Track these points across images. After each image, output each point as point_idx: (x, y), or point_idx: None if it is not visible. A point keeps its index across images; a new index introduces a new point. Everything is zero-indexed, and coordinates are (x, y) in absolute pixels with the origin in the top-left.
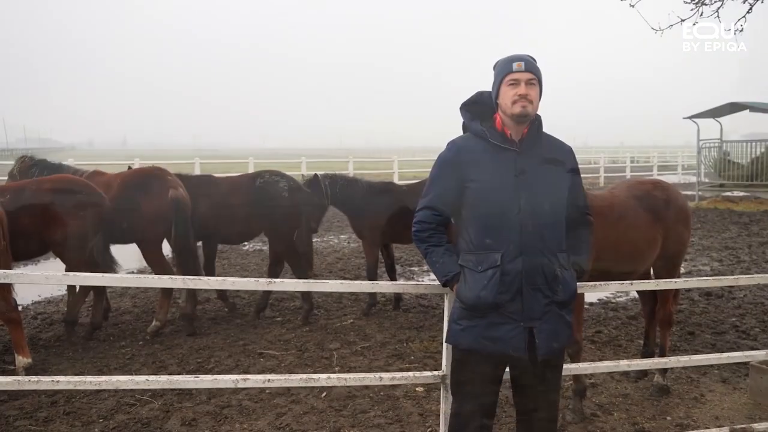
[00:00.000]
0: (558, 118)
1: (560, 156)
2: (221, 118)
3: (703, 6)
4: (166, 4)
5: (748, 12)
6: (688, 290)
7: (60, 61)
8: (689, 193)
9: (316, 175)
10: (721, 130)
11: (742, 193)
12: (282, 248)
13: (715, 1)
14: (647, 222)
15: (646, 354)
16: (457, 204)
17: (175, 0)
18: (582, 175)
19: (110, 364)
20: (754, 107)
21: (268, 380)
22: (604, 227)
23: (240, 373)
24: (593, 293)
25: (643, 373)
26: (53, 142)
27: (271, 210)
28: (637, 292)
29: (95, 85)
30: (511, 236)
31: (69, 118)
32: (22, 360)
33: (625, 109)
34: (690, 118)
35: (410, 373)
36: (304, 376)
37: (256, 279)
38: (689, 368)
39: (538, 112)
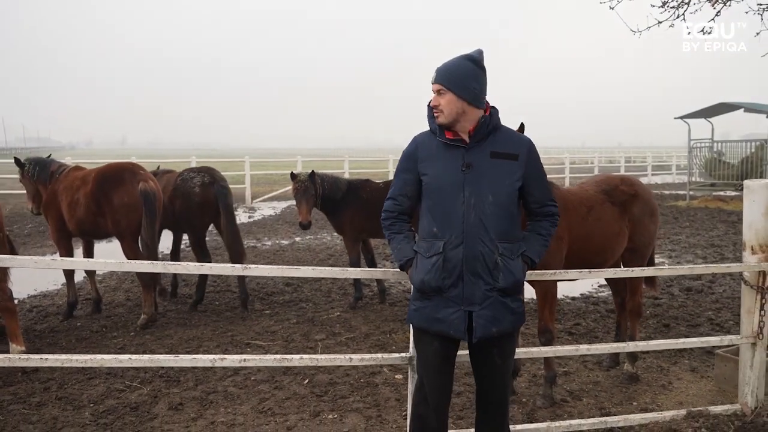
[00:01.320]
0: (557, 118)
1: (513, 149)
2: (221, 118)
3: (676, 9)
4: (168, 3)
5: (717, 14)
6: (669, 285)
7: (60, 60)
8: (681, 192)
9: (313, 172)
10: (713, 130)
11: (733, 193)
12: (191, 240)
13: (682, 5)
14: (615, 215)
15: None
16: (418, 195)
17: (178, 1)
18: (577, 175)
19: (102, 353)
20: (748, 107)
21: (244, 360)
22: (574, 220)
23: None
24: (576, 287)
25: (615, 363)
26: (53, 141)
27: (181, 205)
28: (608, 284)
29: (95, 85)
30: (454, 226)
31: (68, 118)
32: (16, 348)
33: (623, 110)
34: (681, 118)
35: (378, 355)
36: (278, 356)
37: (232, 265)
38: (660, 358)
39: (495, 106)
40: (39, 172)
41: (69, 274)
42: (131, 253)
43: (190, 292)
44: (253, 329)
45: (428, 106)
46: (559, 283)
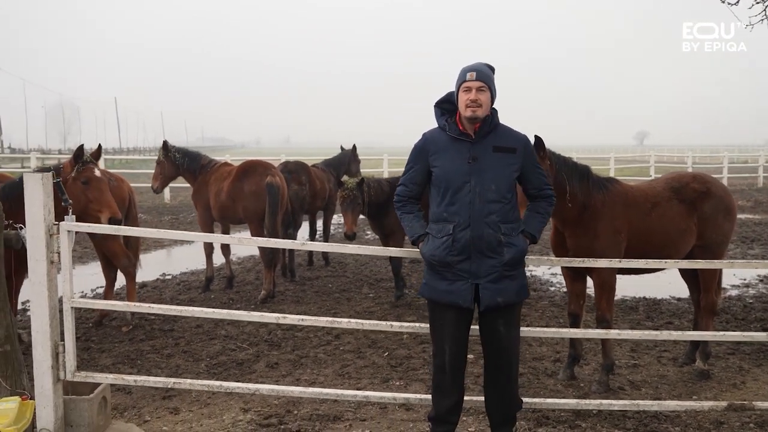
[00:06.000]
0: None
1: (511, 144)
2: (379, 119)
3: None
4: (334, 18)
5: None
6: None
7: (237, 67)
8: None
9: (362, 179)
10: None
11: None
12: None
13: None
14: (681, 213)
15: (694, 341)
16: (427, 183)
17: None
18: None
19: (224, 321)
20: None
21: (302, 319)
22: (635, 215)
23: (324, 335)
24: (686, 289)
25: (691, 359)
26: (227, 140)
27: None
28: (685, 281)
29: (265, 84)
30: (462, 211)
31: (242, 120)
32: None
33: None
34: None
35: (416, 324)
36: (330, 318)
37: (293, 240)
38: (745, 359)
39: (495, 107)
40: (189, 162)
41: (208, 254)
42: (256, 236)
43: (310, 275)
44: (354, 309)
45: (435, 106)
46: (668, 284)
